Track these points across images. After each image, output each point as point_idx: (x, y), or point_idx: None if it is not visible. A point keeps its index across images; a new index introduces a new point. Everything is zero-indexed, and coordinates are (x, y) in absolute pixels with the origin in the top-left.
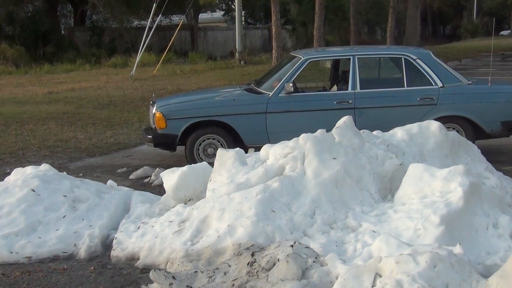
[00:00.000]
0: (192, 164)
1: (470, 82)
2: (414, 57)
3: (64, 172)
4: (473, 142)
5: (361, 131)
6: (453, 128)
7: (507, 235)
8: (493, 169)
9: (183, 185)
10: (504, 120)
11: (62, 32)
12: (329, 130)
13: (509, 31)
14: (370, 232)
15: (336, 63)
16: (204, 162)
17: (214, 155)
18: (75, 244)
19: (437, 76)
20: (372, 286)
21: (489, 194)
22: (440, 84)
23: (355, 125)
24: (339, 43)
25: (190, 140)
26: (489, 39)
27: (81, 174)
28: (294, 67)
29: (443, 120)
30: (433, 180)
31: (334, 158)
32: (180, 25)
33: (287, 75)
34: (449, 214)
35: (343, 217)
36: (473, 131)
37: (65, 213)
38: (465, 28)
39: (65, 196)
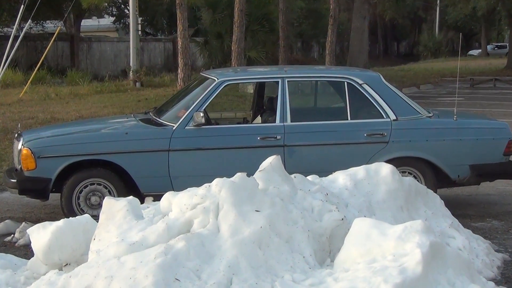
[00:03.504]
0: (70, 218)
1: (431, 115)
2: (360, 82)
3: None
4: (435, 191)
5: (293, 175)
6: (409, 172)
7: None
8: (459, 226)
9: (58, 245)
10: (473, 163)
11: None
12: (250, 174)
13: (480, 50)
14: None
15: (260, 87)
16: (86, 215)
17: (99, 205)
18: None
19: (389, 106)
20: None
21: (454, 258)
22: (392, 117)
23: (285, 167)
24: (264, 61)
25: (68, 186)
26: (455, 60)
27: None
28: (206, 91)
29: (396, 162)
30: (384, 240)
31: (257, 211)
32: (56, 34)
33: (197, 102)
34: (404, 283)
35: (269, 287)
36: (435, 177)
37: None
38: (424, 45)
39: None
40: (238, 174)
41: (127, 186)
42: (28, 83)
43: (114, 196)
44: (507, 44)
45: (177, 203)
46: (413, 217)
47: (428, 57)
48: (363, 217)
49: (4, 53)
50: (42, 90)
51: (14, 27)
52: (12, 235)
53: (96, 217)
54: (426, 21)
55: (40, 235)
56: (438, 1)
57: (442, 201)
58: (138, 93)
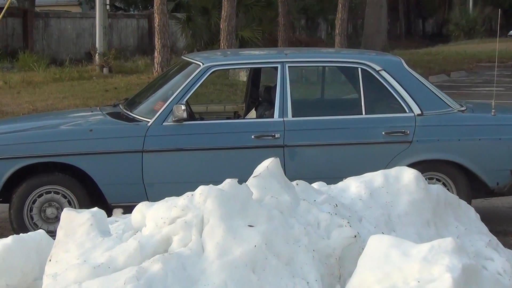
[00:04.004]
0: (21, 234)
1: (463, 109)
2: (378, 68)
3: None
4: (469, 202)
5: (294, 182)
6: (437, 179)
7: None
8: (499, 245)
9: (5, 268)
10: None
11: None
12: (243, 180)
13: None
14: None
15: (255, 74)
16: (41, 231)
17: (57, 218)
18: None
19: (412, 98)
20: None
21: (493, 284)
22: (417, 111)
23: (285, 172)
24: (261, 43)
25: (18, 195)
26: (493, 42)
27: None
28: (189, 79)
29: (422, 167)
30: (406, 262)
31: (250, 226)
32: (5, 8)
33: (178, 92)
34: None
35: None
36: (469, 184)
37: None
38: (456, 23)
39: None
40: (228, 180)
41: (91, 195)
42: None
43: (75, 208)
44: None
45: (152, 217)
46: (442, 234)
47: (460, 38)
48: (380, 234)
49: None
50: None
51: None
52: None
53: (52, 233)
54: None
55: None
56: None
57: (478, 215)
58: (105, 81)
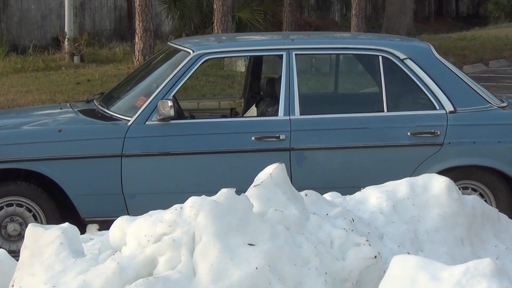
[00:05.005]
0: None
1: (505, 105)
2: (402, 56)
3: None
4: (511, 216)
5: (303, 192)
6: (473, 189)
7: None
8: None
9: None
10: None
11: None
12: (242, 190)
13: None
14: None
15: (255, 64)
16: (1, 250)
17: (20, 236)
18: None
19: (443, 92)
20: None
21: None
22: (449, 107)
23: (291, 181)
24: (262, 26)
25: None
26: None
27: None
28: (177, 70)
29: (455, 174)
30: (436, 287)
31: (250, 245)
32: None
33: (163, 85)
34: None
35: None
36: (511, 195)
37: None
38: (496, 2)
39: None
40: (224, 190)
41: (60, 208)
42: None
43: (42, 223)
44: None
45: (133, 234)
46: (478, 254)
47: (501, 20)
48: (405, 254)
49: None
50: None
51: None
52: None
53: (15, 254)
54: None
55: None
56: None
57: None
58: (76, 72)
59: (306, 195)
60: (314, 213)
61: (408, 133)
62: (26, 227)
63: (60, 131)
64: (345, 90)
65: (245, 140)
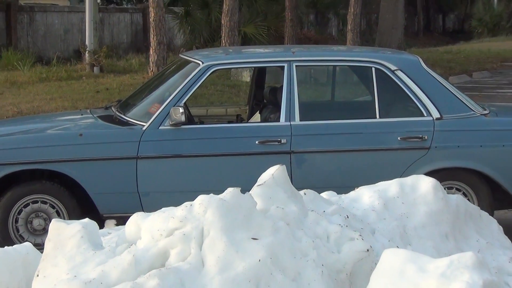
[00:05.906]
0: (6, 247)
1: (486, 112)
2: (393, 68)
3: None
4: (491, 214)
5: (302, 192)
6: (457, 189)
7: None
8: None
9: None
10: None
11: None
12: (246, 189)
13: None
14: None
15: (259, 74)
16: (27, 244)
17: (44, 230)
18: None
19: (431, 101)
20: None
21: None
22: (436, 114)
23: (292, 181)
24: (265, 40)
25: (3, 205)
26: None
27: None
28: (188, 80)
29: (441, 175)
30: (423, 278)
31: (254, 239)
32: None
33: (175, 93)
34: None
35: None
36: (491, 194)
37: None
38: (479, 19)
39: None
40: (230, 189)
41: (81, 205)
42: None
43: (64, 219)
44: None
45: (148, 228)
46: (461, 248)
47: (483, 35)
48: (395, 248)
49: None
50: None
51: None
52: None
53: (40, 246)
54: None
55: None
56: None
57: (501, 227)
58: (96, 81)
59: (305, 194)
60: (312, 210)
61: (399, 138)
62: (50, 222)
63: (81, 135)
64: (341, 98)
65: (249, 144)
